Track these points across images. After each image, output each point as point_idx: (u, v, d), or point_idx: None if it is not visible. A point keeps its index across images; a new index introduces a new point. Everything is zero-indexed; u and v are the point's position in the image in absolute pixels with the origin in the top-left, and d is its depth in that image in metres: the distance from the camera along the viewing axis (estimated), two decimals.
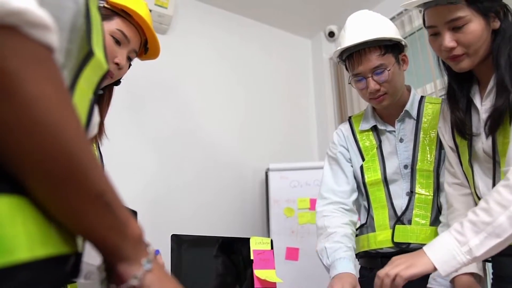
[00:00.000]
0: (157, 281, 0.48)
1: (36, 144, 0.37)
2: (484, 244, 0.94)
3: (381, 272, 1.02)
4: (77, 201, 0.41)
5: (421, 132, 1.39)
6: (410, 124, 1.42)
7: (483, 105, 1.12)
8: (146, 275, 0.47)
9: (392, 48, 1.34)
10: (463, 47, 1.07)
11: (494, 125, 1.06)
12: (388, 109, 1.42)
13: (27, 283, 0.38)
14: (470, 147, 1.15)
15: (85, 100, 0.50)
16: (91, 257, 0.79)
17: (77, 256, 0.46)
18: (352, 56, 1.36)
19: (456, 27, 1.06)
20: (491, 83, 1.09)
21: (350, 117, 1.59)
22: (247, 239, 1.72)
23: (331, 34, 3.25)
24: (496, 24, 1.08)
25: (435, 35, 1.11)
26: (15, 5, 0.33)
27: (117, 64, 1.13)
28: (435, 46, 1.13)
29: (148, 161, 2.42)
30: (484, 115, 1.11)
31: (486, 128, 1.09)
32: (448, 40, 1.07)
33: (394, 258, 1.03)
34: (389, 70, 1.32)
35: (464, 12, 1.05)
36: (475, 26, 1.05)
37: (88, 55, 0.51)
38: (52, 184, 0.39)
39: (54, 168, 0.38)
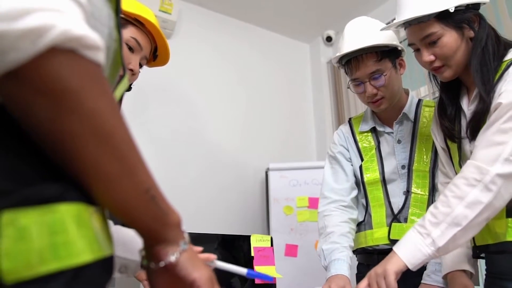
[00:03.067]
0: (190, 261, 0.53)
1: (95, 150, 0.41)
2: (445, 234, 0.94)
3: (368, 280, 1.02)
4: (129, 196, 0.45)
5: (418, 134, 1.39)
6: (407, 126, 1.42)
7: (469, 110, 1.14)
8: (183, 254, 0.52)
9: (388, 53, 1.35)
10: (440, 60, 1.11)
11: (474, 129, 1.07)
12: (386, 111, 1.42)
13: (90, 282, 0.42)
14: (460, 149, 1.16)
15: None
16: (125, 251, 0.79)
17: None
18: (350, 61, 1.36)
19: (430, 42, 1.10)
20: (476, 90, 1.10)
21: (350, 119, 1.59)
22: (248, 237, 1.73)
23: (329, 39, 3.26)
24: (471, 33, 1.09)
25: (417, 51, 1.15)
26: (76, 32, 0.37)
27: (131, 70, 1.14)
28: (419, 61, 1.16)
29: (152, 161, 2.40)
30: (468, 119, 1.12)
31: (468, 132, 1.10)
32: (426, 55, 1.12)
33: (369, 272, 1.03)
34: (386, 75, 1.33)
35: (435, 28, 1.08)
36: (448, 39, 1.08)
37: (122, 77, 0.59)
38: (109, 182, 0.43)
39: (110, 168, 0.42)
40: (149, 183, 0.47)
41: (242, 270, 0.74)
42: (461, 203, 0.94)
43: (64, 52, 0.37)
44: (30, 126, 0.39)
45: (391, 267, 0.97)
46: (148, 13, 1.14)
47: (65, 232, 0.39)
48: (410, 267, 0.96)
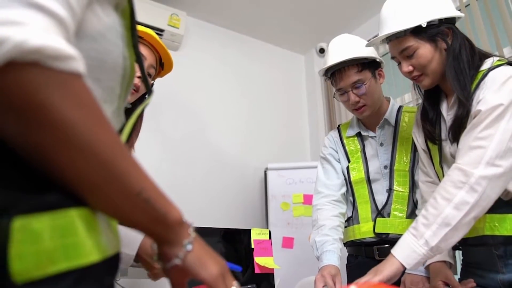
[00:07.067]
0: (197, 261, 0.48)
1: (73, 160, 0.37)
2: (437, 234, 0.94)
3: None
4: (120, 201, 0.41)
5: (399, 137, 1.41)
6: (389, 130, 1.43)
7: (448, 115, 1.14)
8: (188, 255, 0.48)
9: (368, 65, 1.36)
10: (418, 70, 1.12)
11: (456, 132, 1.08)
12: (369, 117, 1.44)
13: (97, 279, 0.40)
14: (440, 151, 1.17)
15: (132, 121, 0.55)
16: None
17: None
18: (334, 73, 1.39)
19: (408, 55, 1.11)
20: (454, 96, 1.11)
21: (339, 125, 1.61)
22: (248, 230, 1.73)
23: (322, 51, 3.27)
24: (444, 45, 1.10)
25: (399, 63, 1.16)
26: (33, 43, 0.33)
27: (139, 77, 1.15)
28: (401, 72, 1.17)
29: (163, 161, 2.43)
30: (449, 123, 1.12)
31: (450, 135, 1.11)
32: (405, 66, 1.13)
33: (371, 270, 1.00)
34: (366, 84, 1.35)
35: (411, 42, 1.10)
36: (423, 51, 1.09)
37: (147, 96, 0.58)
38: (95, 190, 0.40)
39: (94, 176, 0.39)
40: (140, 186, 0.42)
41: None
42: (449, 204, 0.94)
43: (25, 66, 0.33)
44: (8, 141, 0.36)
45: (383, 275, 0.95)
46: (144, 28, 1.15)
47: (75, 234, 0.38)
48: (407, 267, 0.95)
